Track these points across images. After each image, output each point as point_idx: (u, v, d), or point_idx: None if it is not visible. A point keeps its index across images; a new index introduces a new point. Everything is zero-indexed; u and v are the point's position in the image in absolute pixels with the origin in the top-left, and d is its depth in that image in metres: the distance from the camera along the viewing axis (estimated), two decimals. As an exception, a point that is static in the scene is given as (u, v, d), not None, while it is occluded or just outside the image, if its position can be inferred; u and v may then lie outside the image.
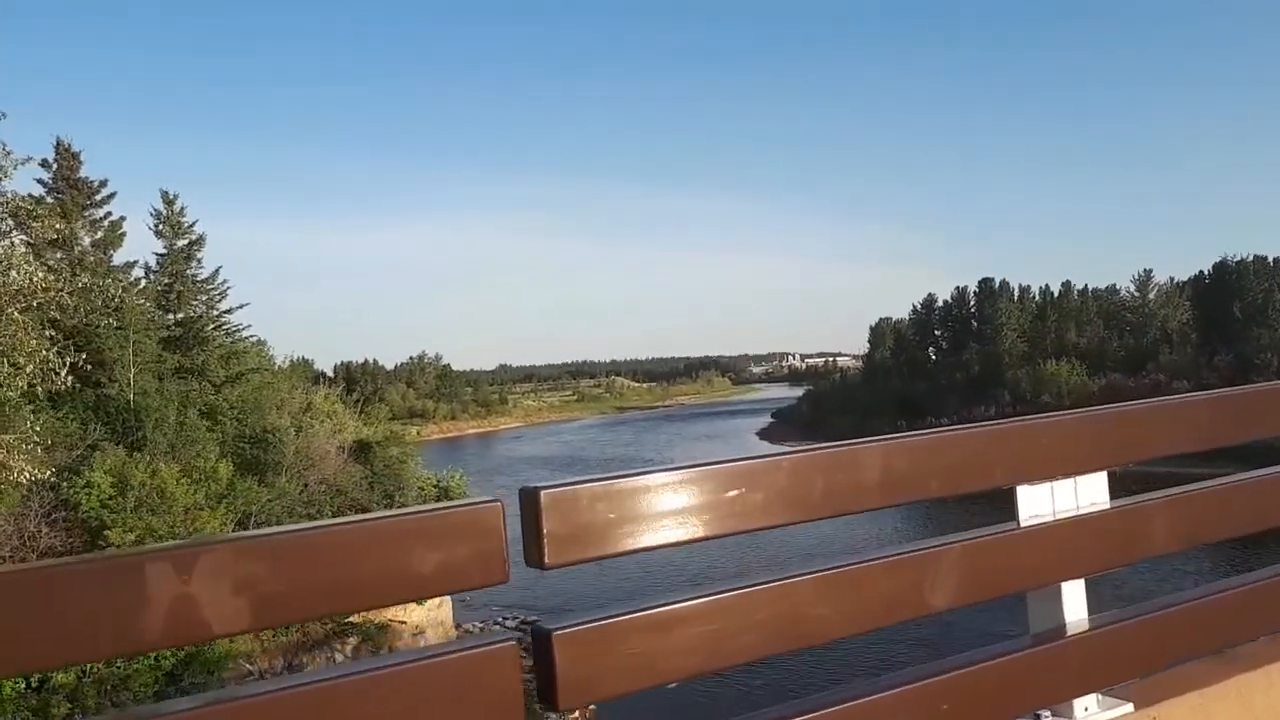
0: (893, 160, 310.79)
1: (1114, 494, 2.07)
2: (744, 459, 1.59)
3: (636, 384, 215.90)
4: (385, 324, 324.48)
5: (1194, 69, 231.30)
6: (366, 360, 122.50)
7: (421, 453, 73.41)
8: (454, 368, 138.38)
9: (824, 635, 1.64)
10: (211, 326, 37.20)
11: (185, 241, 37.82)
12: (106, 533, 16.67)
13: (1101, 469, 1.99)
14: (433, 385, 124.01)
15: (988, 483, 1.86)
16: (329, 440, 27.32)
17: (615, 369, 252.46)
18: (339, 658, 22.73)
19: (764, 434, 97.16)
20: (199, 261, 37.94)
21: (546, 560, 1.33)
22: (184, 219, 37.93)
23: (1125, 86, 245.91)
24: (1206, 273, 74.26)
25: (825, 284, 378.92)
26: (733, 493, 1.55)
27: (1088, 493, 1.97)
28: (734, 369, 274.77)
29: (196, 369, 34.65)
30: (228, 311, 38.17)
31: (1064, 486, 1.94)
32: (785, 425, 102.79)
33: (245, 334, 39.45)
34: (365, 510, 23.90)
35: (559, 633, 1.34)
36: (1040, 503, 1.91)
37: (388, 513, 1.27)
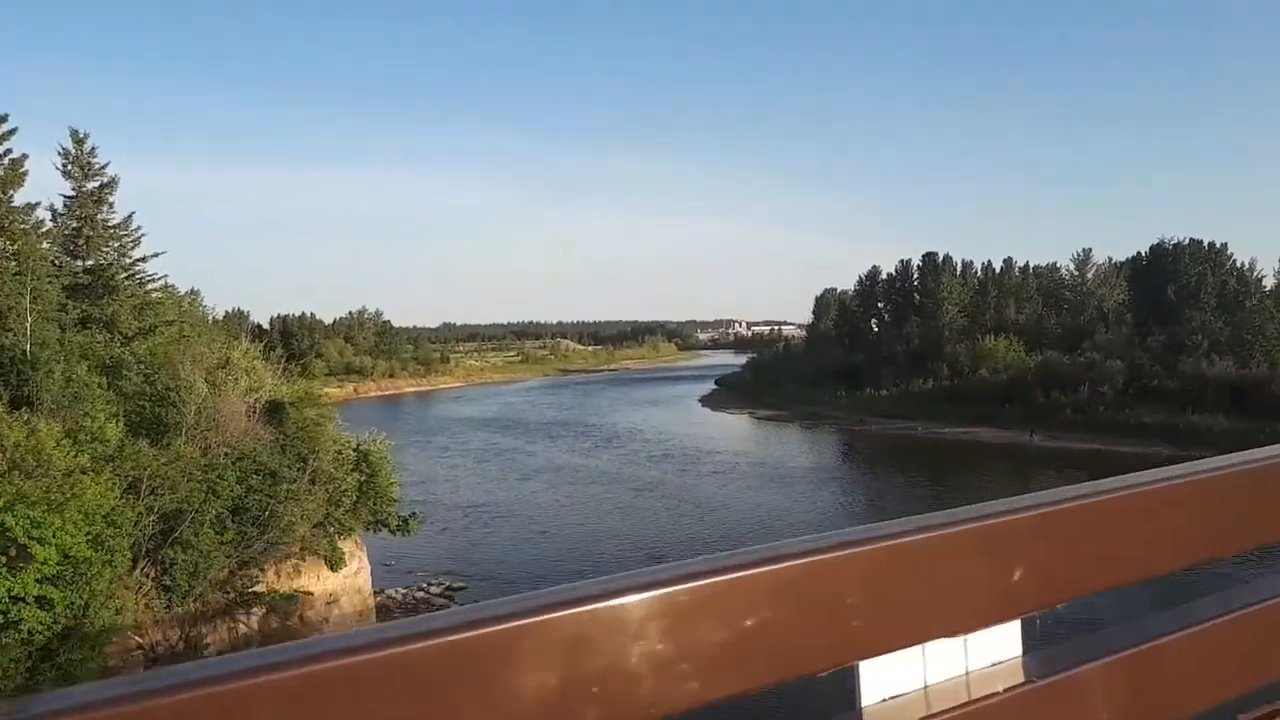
0: (847, 134, 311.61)
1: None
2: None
3: (582, 346, 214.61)
4: (328, 278, 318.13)
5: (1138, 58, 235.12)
6: (304, 314, 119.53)
7: (358, 411, 71.82)
8: (396, 324, 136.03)
9: None
10: (123, 275, 35.34)
11: (96, 184, 35.83)
12: (-26, 497, 15.37)
13: (1013, 617, 1.09)
14: (372, 341, 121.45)
15: (806, 664, 0.92)
16: (241, 399, 25.91)
17: (561, 330, 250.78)
18: (242, 629, 21.68)
19: (706, 401, 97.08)
20: (110, 206, 35.98)
21: None
22: (95, 160, 35.88)
23: (1081, 71, 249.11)
24: (1144, 254, 75.33)
25: (776, 253, 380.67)
26: None
27: (987, 652, 1.07)
28: (681, 334, 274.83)
29: (105, 319, 32.87)
30: (141, 260, 36.33)
31: (945, 651, 1.04)
32: (728, 393, 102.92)
33: (172, 284, 37.97)
34: (274, 475, 22.76)
35: None
36: (902, 680, 1.00)
37: None
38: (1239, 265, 70.73)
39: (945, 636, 1.02)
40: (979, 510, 1.06)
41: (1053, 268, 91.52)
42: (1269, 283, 69.21)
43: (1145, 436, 55.20)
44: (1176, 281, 68.99)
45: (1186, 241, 72.11)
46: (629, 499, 42.99)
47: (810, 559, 0.91)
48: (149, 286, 36.80)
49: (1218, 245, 71.59)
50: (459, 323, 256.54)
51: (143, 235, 36.69)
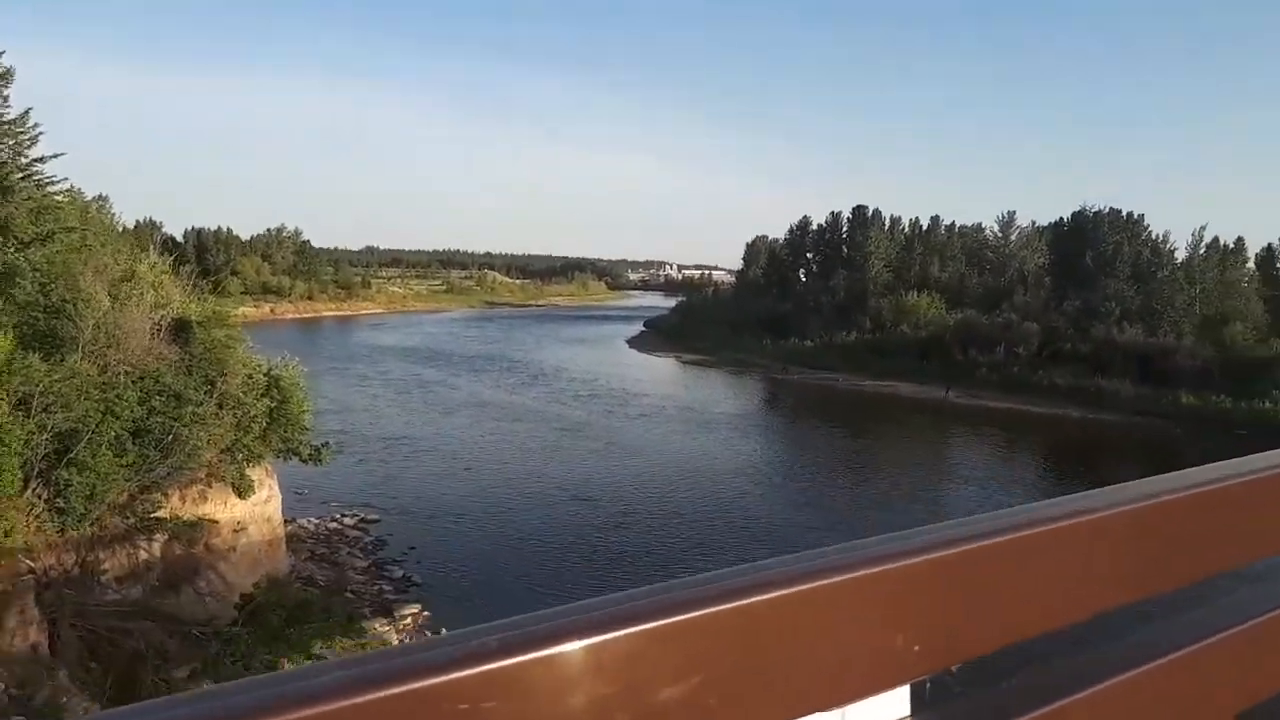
0: (790, 82, 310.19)
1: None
2: None
3: (510, 280, 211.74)
4: (248, 192, 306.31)
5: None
6: (220, 228, 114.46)
7: (275, 333, 69.44)
8: (317, 244, 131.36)
9: None
10: (19, 176, 32.89)
11: (-12, 75, 33.06)
12: None
13: (902, 682, 0.88)
14: (290, 261, 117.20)
15: None
16: (146, 316, 24.48)
17: (489, 262, 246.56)
18: (142, 555, 20.76)
19: (634, 343, 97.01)
20: (5, 99, 33.20)
21: None
22: (-12, 49, 33.03)
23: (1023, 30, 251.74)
24: (1065, 220, 77.10)
25: (710, 197, 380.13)
26: None
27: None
28: (611, 274, 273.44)
29: (-1, 223, 30.71)
30: (39, 160, 33.82)
31: None
32: (656, 335, 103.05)
33: (78, 189, 35.29)
34: (178, 397, 21.66)
35: None
36: None
37: None
38: (1154, 237, 72.99)
39: (820, 710, 0.82)
40: (862, 551, 0.84)
41: (977, 228, 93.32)
42: (1180, 255, 71.60)
43: (1056, 398, 57.15)
44: (1095, 249, 70.93)
45: (1106, 210, 74.06)
46: (554, 438, 42.64)
47: (655, 623, 0.68)
48: (50, 189, 34.39)
49: (1135, 216, 73.76)
50: (382, 246, 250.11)
51: (41, 133, 34.07)
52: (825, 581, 0.78)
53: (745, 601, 0.73)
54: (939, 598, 0.88)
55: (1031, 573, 0.97)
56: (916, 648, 0.86)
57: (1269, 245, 72.69)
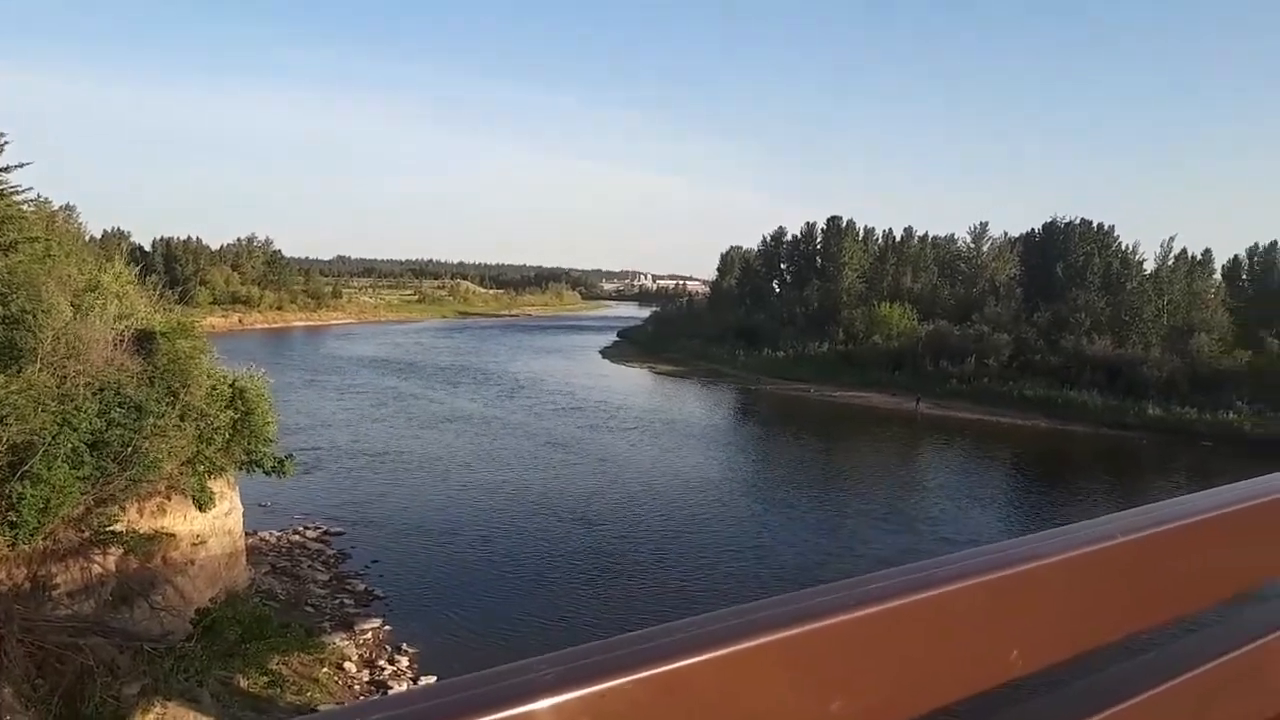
0: (766, 95, 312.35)
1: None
2: None
3: (483, 289, 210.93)
4: (218, 202, 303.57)
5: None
6: (190, 238, 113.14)
7: (244, 343, 68.60)
8: (287, 254, 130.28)
9: None
10: (-19, 185, 32.32)
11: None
12: None
13: None
14: (260, 271, 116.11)
15: None
16: (109, 327, 24.04)
17: (462, 271, 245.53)
18: (96, 569, 20.31)
19: (607, 353, 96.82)
20: (-33, 107, 32.84)
21: None
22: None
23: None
24: (1037, 231, 77.80)
25: (685, 208, 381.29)
26: None
27: None
28: (585, 283, 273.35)
29: (-41, 232, 30.13)
30: (3, 170, 33.26)
31: None
32: (630, 345, 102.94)
33: (45, 198, 34.68)
34: (139, 409, 21.26)
35: None
36: None
37: None
38: (1124, 248, 73.77)
39: None
40: (789, 608, 0.73)
41: (950, 239, 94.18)
42: (1149, 267, 72.45)
43: (1025, 409, 57.56)
44: (1065, 259, 71.61)
45: (1078, 221, 74.81)
46: (526, 450, 42.25)
47: (558, 698, 0.58)
48: (15, 199, 33.79)
49: (1106, 226, 74.54)
50: (354, 256, 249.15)
51: (6, 143, 33.57)
52: (750, 643, 0.67)
53: (661, 669, 0.61)
54: (885, 653, 0.77)
55: (973, 627, 0.83)
56: (860, 709, 0.76)
57: (1235, 257, 74.03)
